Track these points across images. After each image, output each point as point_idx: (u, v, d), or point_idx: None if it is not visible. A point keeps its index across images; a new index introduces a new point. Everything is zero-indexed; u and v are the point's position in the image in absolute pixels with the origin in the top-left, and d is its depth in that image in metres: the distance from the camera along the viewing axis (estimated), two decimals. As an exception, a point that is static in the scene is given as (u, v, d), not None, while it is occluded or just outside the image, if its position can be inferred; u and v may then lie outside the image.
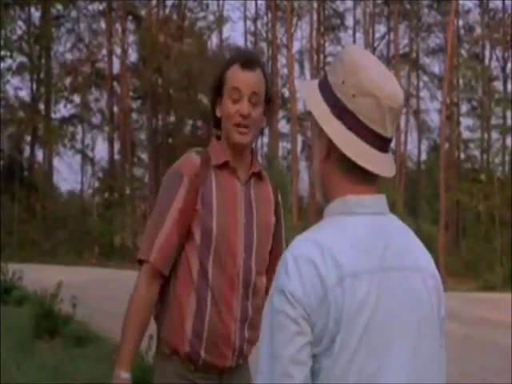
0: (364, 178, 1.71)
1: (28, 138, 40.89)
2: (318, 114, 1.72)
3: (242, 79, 2.80)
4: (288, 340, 1.58)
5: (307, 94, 1.78)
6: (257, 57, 2.97)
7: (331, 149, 1.71)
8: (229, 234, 2.80)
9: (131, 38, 43.23)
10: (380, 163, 1.71)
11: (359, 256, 1.64)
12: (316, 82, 1.79)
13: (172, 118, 42.69)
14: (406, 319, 1.67)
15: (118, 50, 42.00)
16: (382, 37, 45.29)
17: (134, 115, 43.92)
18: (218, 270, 2.80)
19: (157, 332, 2.95)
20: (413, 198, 41.87)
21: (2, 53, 36.57)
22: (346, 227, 1.68)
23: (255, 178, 2.94)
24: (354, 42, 44.38)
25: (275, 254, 2.91)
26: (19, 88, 42.24)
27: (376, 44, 44.48)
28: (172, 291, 2.86)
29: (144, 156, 43.64)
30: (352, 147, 1.68)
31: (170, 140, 41.75)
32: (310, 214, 35.41)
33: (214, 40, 45.35)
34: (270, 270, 2.89)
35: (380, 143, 1.70)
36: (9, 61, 37.78)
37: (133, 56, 44.68)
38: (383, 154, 1.72)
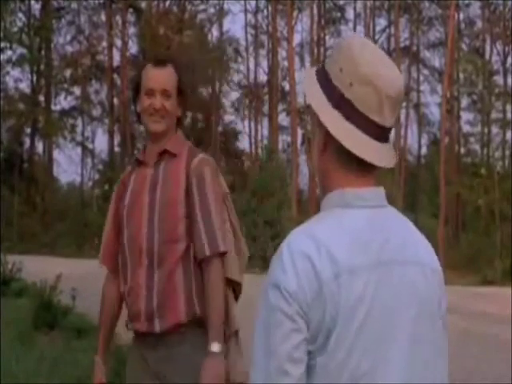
0: (363, 170, 1.69)
1: (28, 130, 40.90)
2: (315, 104, 1.70)
3: (153, 77, 3.17)
4: (284, 337, 1.56)
5: (306, 85, 1.75)
6: (168, 56, 3.30)
7: (329, 140, 1.69)
8: (134, 215, 3.19)
9: (131, 30, 43.26)
10: (378, 153, 1.67)
11: (356, 250, 1.62)
12: (314, 70, 1.76)
13: (172, 111, 42.57)
14: (405, 314, 1.65)
15: (119, 43, 42.03)
16: (383, 30, 45.29)
17: (134, 107, 43.86)
18: (130, 246, 3.19)
19: None
20: (413, 192, 41.83)
21: (2, 44, 36.55)
22: (343, 221, 1.66)
23: (168, 156, 3.20)
24: (355, 35, 44.32)
25: (192, 222, 3.12)
26: (19, 80, 42.32)
27: (376, 37, 44.42)
28: None
29: (144, 148, 43.56)
30: (349, 138, 1.65)
31: (170, 132, 41.60)
32: (310, 207, 35.38)
33: (215, 33, 45.36)
34: (191, 238, 3.14)
35: (378, 133, 1.67)
36: (9, 52, 37.80)
37: (133, 48, 44.67)
38: (382, 143, 1.69)
